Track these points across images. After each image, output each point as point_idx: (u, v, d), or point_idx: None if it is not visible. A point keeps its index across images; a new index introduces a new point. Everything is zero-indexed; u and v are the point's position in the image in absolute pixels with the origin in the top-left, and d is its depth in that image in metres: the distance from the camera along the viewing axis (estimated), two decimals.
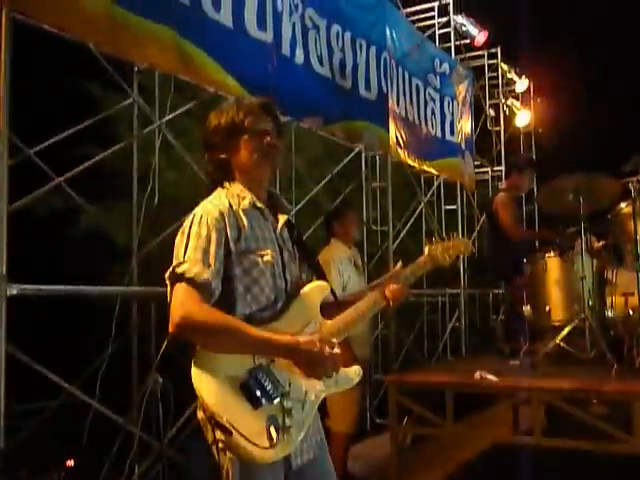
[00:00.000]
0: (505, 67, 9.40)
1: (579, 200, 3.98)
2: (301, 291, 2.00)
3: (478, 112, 9.31)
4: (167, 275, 1.83)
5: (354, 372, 2.03)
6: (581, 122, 10.48)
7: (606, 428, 3.13)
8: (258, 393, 1.76)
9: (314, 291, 2.02)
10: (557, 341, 3.96)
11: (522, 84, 9.41)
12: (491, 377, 3.56)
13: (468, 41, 8.57)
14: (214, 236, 1.85)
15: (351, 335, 4.10)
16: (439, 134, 7.49)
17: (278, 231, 2.04)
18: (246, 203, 1.97)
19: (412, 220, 7.12)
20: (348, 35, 5.74)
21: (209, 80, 4.32)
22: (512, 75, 9.42)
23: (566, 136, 10.08)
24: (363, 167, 7.25)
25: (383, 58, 6.25)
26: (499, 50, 9.38)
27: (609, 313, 4.16)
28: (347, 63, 5.70)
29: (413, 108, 6.94)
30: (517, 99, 9.73)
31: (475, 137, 9.10)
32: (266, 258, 1.93)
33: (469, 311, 8.01)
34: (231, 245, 1.88)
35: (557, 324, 4.12)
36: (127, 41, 3.73)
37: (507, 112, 9.56)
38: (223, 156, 2.00)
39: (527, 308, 4.30)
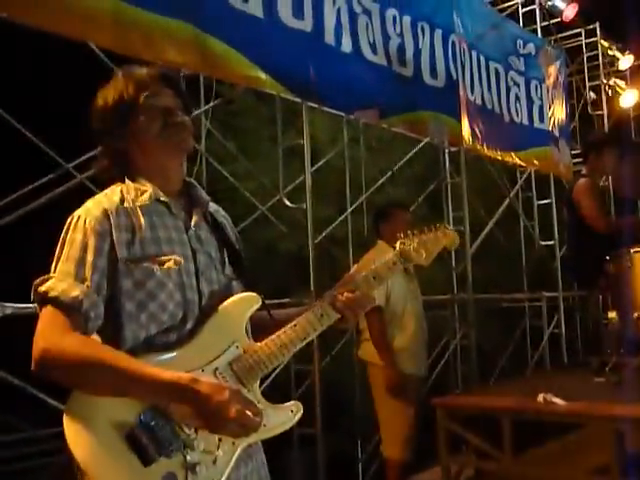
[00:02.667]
0: (605, 44, 8.46)
1: None
2: (220, 306, 1.56)
3: (577, 96, 8.48)
4: (32, 295, 1.45)
5: (289, 411, 1.57)
6: None
7: None
8: (148, 445, 1.34)
9: (238, 305, 1.58)
10: None
11: (626, 61, 8.42)
12: (557, 400, 2.96)
13: (558, 20, 7.77)
14: (92, 242, 1.47)
15: (398, 348, 3.71)
16: (526, 121, 6.78)
17: (192, 230, 1.62)
18: (145, 197, 1.57)
19: (495, 218, 6.41)
20: (407, 19, 5.24)
21: (238, 76, 4.01)
22: (614, 52, 8.46)
23: None
24: (447, 164, 6.69)
25: (451, 42, 5.69)
26: (597, 26, 8.46)
27: None
28: (407, 49, 5.21)
29: (492, 95, 6.30)
30: (622, 79, 8.74)
31: (574, 123, 8.30)
32: (168, 265, 1.51)
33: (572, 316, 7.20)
34: (119, 251, 1.49)
35: None
36: (138, 41, 3.47)
37: (610, 94, 8.59)
38: (119, 145, 1.60)
39: (612, 315, 3.61)
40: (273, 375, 4.31)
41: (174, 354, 1.47)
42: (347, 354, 5.17)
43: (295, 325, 1.60)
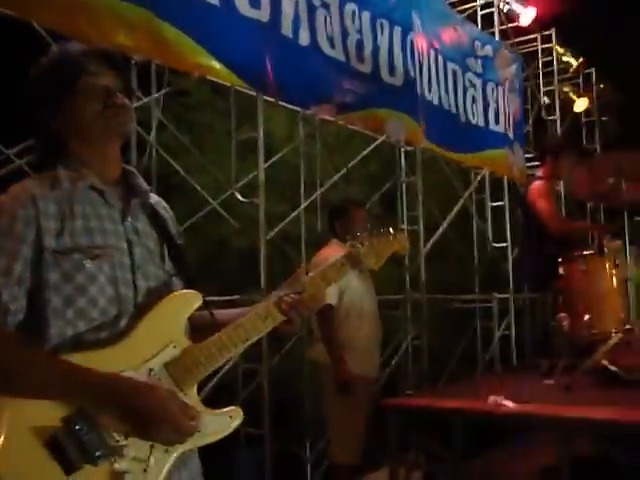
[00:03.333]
0: (560, 50, 8.57)
1: (621, 184, 3.27)
2: (157, 304, 1.45)
3: (532, 101, 8.57)
4: None
5: (228, 417, 1.47)
6: None
7: None
8: (72, 452, 1.22)
9: (177, 303, 1.47)
10: (597, 358, 3.26)
11: (578, 68, 8.54)
12: (507, 403, 2.92)
13: (516, 24, 7.84)
14: (17, 228, 1.34)
15: (350, 347, 3.63)
16: (482, 123, 6.80)
17: (128, 221, 1.49)
18: (78, 184, 1.44)
19: (449, 219, 6.40)
20: (366, 14, 5.19)
21: (191, 65, 3.89)
22: (568, 58, 8.58)
23: (634, 123, 9.10)
24: (402, 163, 6.66)
25: (410, 40, 5.66)
26: (553, 32, 8.56)
27: None
28: (365, 45, 5.15)
29: (449, 95, 6.30)
30: (575, 85, 8.88)
31: (528, 127, 8.38)
32: (101, 257, 1.39)
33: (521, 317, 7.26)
34: (46, 241, 1.36)
35: (599, 337, 3.42)
36: (85, 22, 3.32)
37: (564, 99, 8.70)
38: (52, 125, 1.46)
39: (563, 317, 3.61)
40: (220, 374, 4.21)
41: (104, 352, 1.35)
42: (297, 353, 5.08)
43: (237, 326, 1.50)
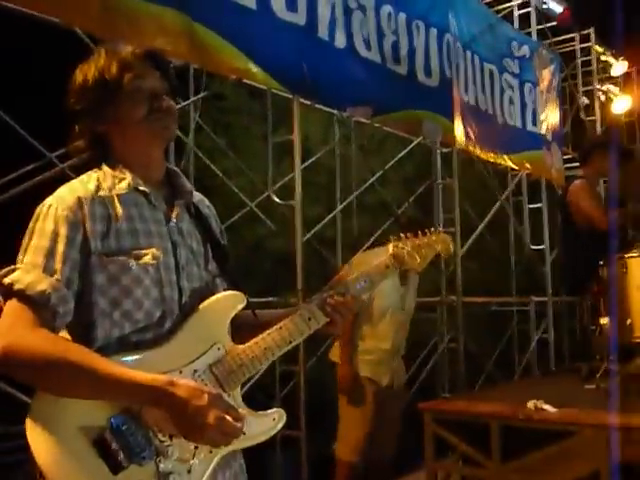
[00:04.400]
0: (599, 49, 8.42)
1: None
2: (201, 305, 1.46)
3: (570, 101, 8.45)
4: None
5: (272, 419, 1.47)
6: None
7: None
8: (118, 451, 1.24)
9: (221, 304, 1.48)
10: (638, 363, 3.20)
11: (619, 67, 8.38)
12: (548, 408, 2.88)
13: (554, 23, 7.74)
14: (64, 231, 1.34)
15: (365, 351, 3.55)
16: (519, 124, 6.73)
17: (173, 222, 1.49)
18: (123, 186, 1.45)
19: (486, 221, 6.34)
20: (402, 16, 5.17)
21: (228, 67, 3.92)
22: (607, 58, 8.43)
23: None
24: (439, 165, 6.63)
25: (446, 41, 5.62)
26: (592, 31, 8.42)
27: None
28: (401, 47, 5.13)
29: (486, 96, 6.24)
30: (615, 85, 8.71)
31: (567, 128, 8.26)
32: (145, 259, 1.39)
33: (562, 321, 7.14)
34: (92, 243, 1.36)
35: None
36: (125, 27, 3.37)
37: (603, 99, 8.55)
38: (98, 128, 1.46)
39: (605, 321, 3.54)
40: (257, 376, 4.23)
41: (149, 354, 1.37)
42: None
43: (281, 328, 1.49)
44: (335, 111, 5.02)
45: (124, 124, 1.47)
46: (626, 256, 3.46)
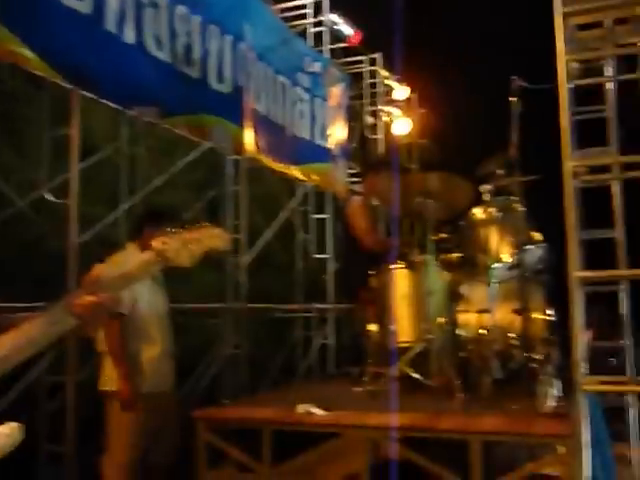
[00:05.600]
0: (385, 73, 9.03)
1: (428, 203, 3.49)
2: None
3: (358, 119, 8.95)
4: None
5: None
6: (462, 133, 10.29)
7: (444, 475, 2.62)
8: None
9: None
10: (401, 366, 3.44)
11: (401, 92, 9.05)
12: (316, 411, 2.99)
13: (345, 45, 8.16)
14: None
15: (137, 362, 3.40)
16: (308, 137, 6.99)
17: None
18: None
19: (273, 229, 6.48)
20: (197, 18, 5.12)
21: (2, 52, 3.57)
22: (391, 82, 9.06)
23: (448, 148, 9.81)
24: (229, 171, 6.65)
25: (240, 49, 5.66)
26: (379, 56, 9.00)
27: (461, 333, 3.69)
28: (194, 49, 5.07)
29: (277, 107, 6.39)
30: (398, 107, 9.38)
31: (353, 145, 8.74)
32: None
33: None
34: None
35: (403, 345, 3.61)
36: None
37: (387, 120, 9.17)
38: None
39: (373, 327, 3.77)
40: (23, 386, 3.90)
41: None
42: None
43: (19, 332, 1.37)
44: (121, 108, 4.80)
45: None
46: (392, 267, 3.70)
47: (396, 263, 3.70)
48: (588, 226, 3.54)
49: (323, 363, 7.06)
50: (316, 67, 7.22)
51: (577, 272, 2.43)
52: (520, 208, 3.58)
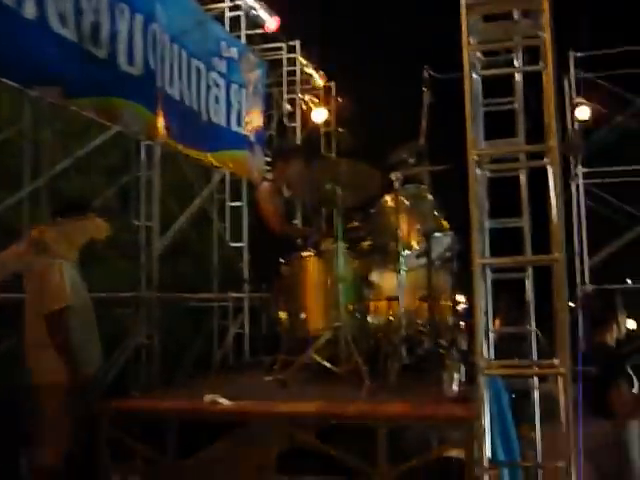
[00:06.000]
0: (303, 61, 9.00)
1: (337, 190, 3.46)
2: None
3: (276, 107, 8.89)
4: None
5: None
6: (378, 122, 10.42)
7: (349, 461, 2.62)
8: None
9: None
10: (310, 354, 3.43)
11: (319, 80, 9.06)
12: (223, 401, 2.93)
13: (263, 31, 8.05)
14: None
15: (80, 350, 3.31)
16: (224, 123, 6.85)
17: None
18: None
19: (186, 216, 6.34)
20: None
21: None
22: (310, 70, 9.05)
23: (365, 136, 9.89)
24: (142, 157, 6.46)
25: (152, 31, 5.47)
26: (297, 43, 8.95)
27: (371, 320, 3.71)
28: (102, 28, 4.85)
29: (192, 92, 6.23)
30: (316, 96, 9.39)
31: (271, 132, 8.68)
32: None
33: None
34: None
35: (313, 333, 3.59)
36: None
37: (305, 108, 9.15)
38: None
39: (283, 315, 3.74)
40: None
41: None
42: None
43: None
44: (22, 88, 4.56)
45: None
46: (303, 255, 3.68)
47: (307, 251, 3.67)
48: (500, 215, 3.63)
49: (240, 353, 6.99)
50: (233, 52, 7.10)
51: (479, 259, 2.47)
52: (429, 196, 3.62)
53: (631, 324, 12.64)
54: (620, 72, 9.46)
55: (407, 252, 3.54)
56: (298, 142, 7.73)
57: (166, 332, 6.01)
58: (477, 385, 2.47)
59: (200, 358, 6.90)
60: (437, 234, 3.61)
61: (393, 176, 3.55)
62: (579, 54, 9.49)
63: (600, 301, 3.61)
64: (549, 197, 2.57)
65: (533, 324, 3.84)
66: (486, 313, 2.82)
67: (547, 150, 2.51)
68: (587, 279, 9.33)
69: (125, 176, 6.59)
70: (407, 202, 3.60)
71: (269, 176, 4.68)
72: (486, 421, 2.44)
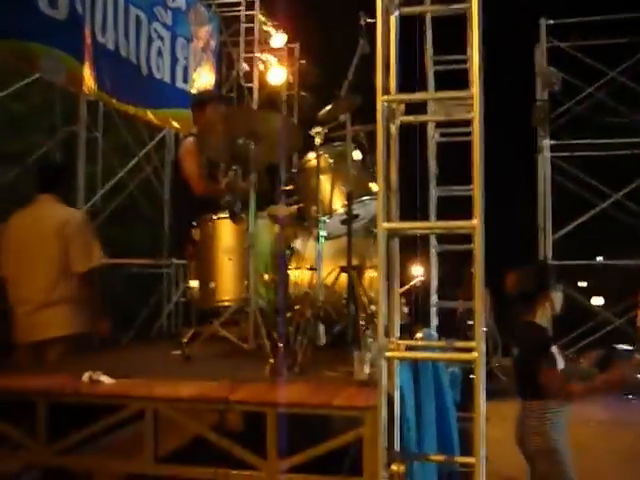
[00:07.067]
0: (262, 18, 8.51)
1: (250, 146, 3.08)
2: None
3: (232, 65, 8.45)
4: None
5: None
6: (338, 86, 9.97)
7: (237, 451, 2.29)
8: None
9: None
10: (216, 327, 3.09)
11: (279, 39, 8.58)
12: (104, 379, 2.59)
13: None
14: None
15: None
16: (167, 79, 6.43)
17: None
18: None
19: (124, 172, 5.96)
20: None
21: None
22: (269, 28, 8.57)
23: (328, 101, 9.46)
24: (85, 113, 6.07)
25: None
26: (257, 0, 8.46)
27: (291, 291, 3.37)
28: None
29: (129, 43, 5.78)
30: (274, 56, 8.91)
31: (229, 92, 8.26)
32: None
33: None
34: None
35: (223, 305, 3.25)
36: None
37: (262, 68, 8.68)
38: None
39: (194, 284, 3.39)
40: None
41: None
42: None
43: None
44: None
45: None
46: (215, 217, 3.31)
47: (219, 213, 3.30)
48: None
49: (169, 324, 6.62)
50: (180, 3, 6.64)
51: (384, 223, 2.13)
52: (358, 155, 3.26)
53: (598, 300, 12.52)
54: (593, 43, 9.16)
55: (327, 217, 3.19)
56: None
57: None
58: (377, 369, 2.15)
59: (142, 326, 6.56)
60: (365, 197, 3.25)
61: (313, 131, 3.18)
62: (551, 21, 9.14)
63: (530, 277, 3.30)
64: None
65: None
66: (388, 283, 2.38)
67: (470, 98, 2.16)
68: (550, 254, 9.10)
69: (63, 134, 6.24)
70: (331, 161, 3.23)
71: (192, 130, 4.28)
72: (384, 410, 2.12)
